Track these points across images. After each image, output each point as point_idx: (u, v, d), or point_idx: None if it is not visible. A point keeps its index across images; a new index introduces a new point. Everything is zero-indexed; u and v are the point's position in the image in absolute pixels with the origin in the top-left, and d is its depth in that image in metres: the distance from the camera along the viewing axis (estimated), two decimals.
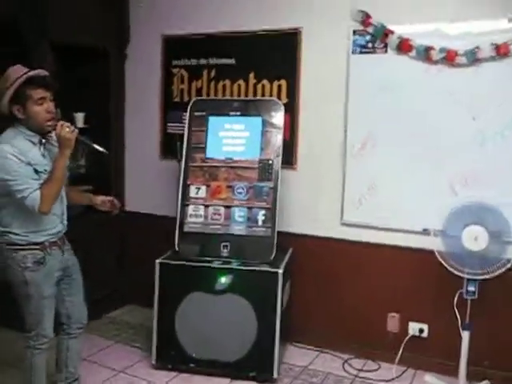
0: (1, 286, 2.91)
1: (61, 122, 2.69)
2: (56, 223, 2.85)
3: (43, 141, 2.77)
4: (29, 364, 2.88)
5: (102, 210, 3.11)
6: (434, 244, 3.31)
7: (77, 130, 2.72)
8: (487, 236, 3.09)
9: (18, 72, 2.67)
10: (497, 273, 3.11)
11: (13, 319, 3.79)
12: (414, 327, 3.74)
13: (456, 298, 3.32)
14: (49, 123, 2.71)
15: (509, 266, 3.10)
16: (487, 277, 3.14)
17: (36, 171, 2.67)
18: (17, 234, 2.73)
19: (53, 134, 2.77)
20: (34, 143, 2.73)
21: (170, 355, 3.64)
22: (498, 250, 3.12)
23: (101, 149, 2.89)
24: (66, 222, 2.95)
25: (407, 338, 3.73)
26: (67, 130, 2.67)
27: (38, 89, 2.65)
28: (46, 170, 2.71)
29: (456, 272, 3.20)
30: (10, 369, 3.61)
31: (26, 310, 2.83)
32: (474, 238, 3.11)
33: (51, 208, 2.70)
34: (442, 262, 3.22)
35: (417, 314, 3.72)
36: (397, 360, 3.72)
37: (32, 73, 2.68)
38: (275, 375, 3.50)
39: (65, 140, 2.66)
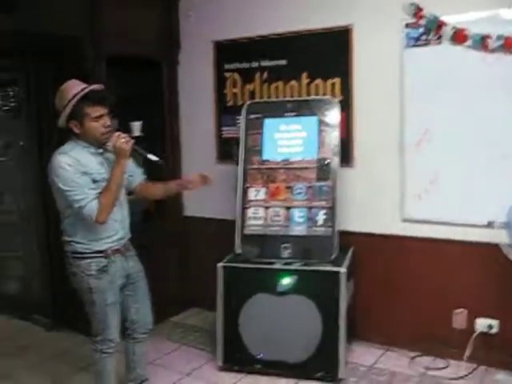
0: (71, 291, 3.01)
1: (117, 133, 2.74)
2: (117, 229, 2.90)
3: (100, 150, 2.83)
4: (98, 367, 2.98)
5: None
6: (499, 237, 3.23)
7: (132, 141, 2.76)
8: None
9: (74, 88, 2.71)
10: None
11: (82, 324, 3.96)
12: (482, 323, 3.64)
13: None
14: (104, 137, 2.76)
15: None
16: None
17: (94, 181, 2.73)
18: (80, 243, 2.81)
19: (109, 144, 2.82)
20: (91, 153, 2.79)
21: (236, 357, 3.67)
22: None
23: (155, 158, 2.91)
24: (127, 228, 2.99)
25: (475, 334, 3.64)
26: (122, 140, 2.71)
27: (95, 106, 2.70)
28: (104, 179, 2.76)
29: None
30: (82, 372, 3.74)
31: (91, 316, 2.91)
32: None
33: (108, 217, 2.74)
34: (507, 254, 3.13)
35: (485, 310, 3.62)
36: (465, 357, 3.64)
37: (88, 89, 2.72)
38: (341, 375, 3.49)
39: (120, 150, 2.72)
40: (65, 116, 2.71)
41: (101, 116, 2.73)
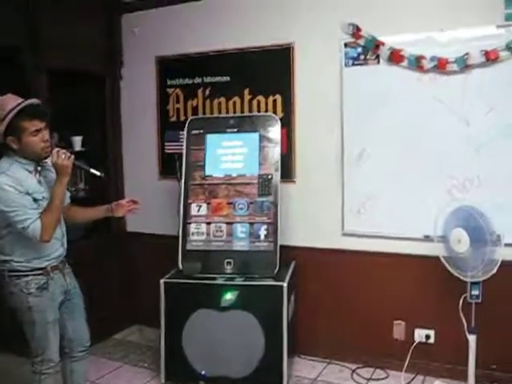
0: (4, 312, 2.92)
1: (56, 149, 2.69)
2: (57, 247, 2.85)
3: (39, 168, 2.77)
4: None
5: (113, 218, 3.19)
6: (435, 250, 3.34)
7: (73, 156, 2.71)
8: (467, 238, 3.10)
9: (10, 103, 2.64)
10: (489, 275, 3.09)
11: (17, 345, 3.84)
12: (420, 334, 3.75)
13: (461, 303, 3.33)
14: (45, 151, 2.70)
15: (495, 268, 3.05)
16: (483, 279, 3.14)
17: (35, 200, 2.67)
18: (19, 262, 2.73)
19: (48, 161, 2.76)
20: (29, 171, 2.72)
21: (179, 373, 3.65)
22: (482, 252, 3.09)
23: (98, 173, 2.90)
24: (66, 245, 2.94)
25: (414, 344, 3.73)
26: (63, 156, 2.66)
27: (32, 120, 2.63)
28: (44, 198, 2.71)
29: (459, 276, 3.21)
30: None
31: (30, 336, 2.81)
32: (458, 241, 3.14)
33: (52, 235, 2.70)
34: (447, 266, 3.24)
35: (422, 321, 3.73)
36: (404, 367, 3.72)
37: (25, 104, 2.65)
38: None
39: (62, 167, 2.66)
40: (1, 132, 2.63)
41: (39, 130, 2.66)
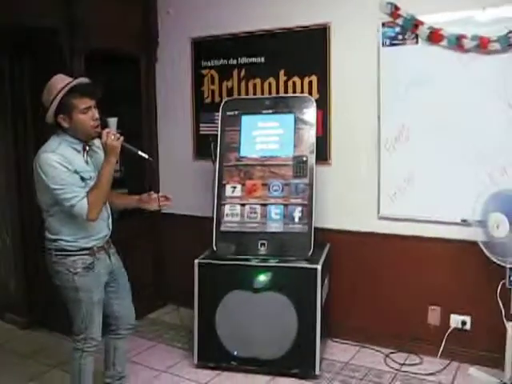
0: (47, 290, 2.97)
1: (106, 130, 2.72)
2: (103, 227, 2.88)
3: (87, 148, 2.80)
4: (77, 366, 2.92)
5: (146, 210, 3.15)
6: (473, 234, 3.28)
7: (122, 138, 2.74)
8: (507, 223, 3.04)
9: (61, 82, 2.68)
10: None
11: (58, 322, 3.92)
12: (456, 319, 3.69)
13: (499, 289, 3.27)
14: (94, 130, 2.74)
15: None
16: None
17: (82, 179, 2.70)
18: (67, 241, 2.76)
19: (95, 141, 2.81)
20: (77, 150, 2.76)
21: (212, 354, 3.67)
22: None
23: (146, 156, 2.90)
24: (111, 226, 2.98)
25: (449, 330, 3.69)
26: (113, 137, 2.69)
27: (82, 98, 2.66)
28: (91, 177, 2.75)
29: (498, 261, 3.15)
30: (57, 371, 3.70)
31: (74, 314, 2.86)
32: (497, 226, 3.08)
33: (99, 215, 2.73)
34: (485, 251, 3.17)
35: (458, 306, 3.67)
36: (439, 353, 3.69)
37: (75, 82, 2.69)
38: (317, 371, 3.50)
39: (111, 148, 2.69)
40: (52, 110, 2.67)
41: (89, 108, 2.69)
